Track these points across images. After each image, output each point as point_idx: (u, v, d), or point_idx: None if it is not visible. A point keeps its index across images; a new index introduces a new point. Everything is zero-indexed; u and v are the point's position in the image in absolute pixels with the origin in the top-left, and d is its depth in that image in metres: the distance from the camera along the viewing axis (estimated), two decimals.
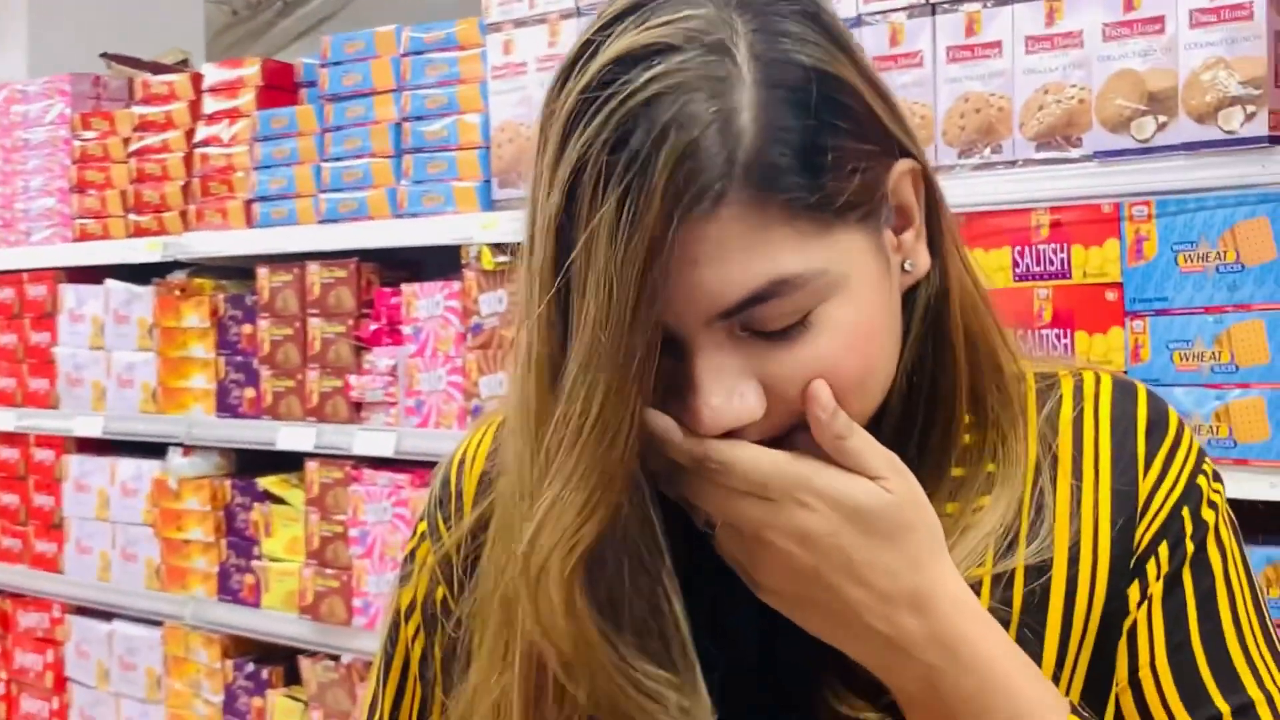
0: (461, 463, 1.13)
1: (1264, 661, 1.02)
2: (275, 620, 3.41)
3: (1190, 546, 1.02)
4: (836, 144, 0.91)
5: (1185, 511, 1.02)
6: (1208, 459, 1.07)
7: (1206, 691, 1.00)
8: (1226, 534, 1.04)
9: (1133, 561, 1.02)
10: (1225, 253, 1.99)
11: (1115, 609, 1.02)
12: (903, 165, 0.97)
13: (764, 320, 0.91)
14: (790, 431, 0.94)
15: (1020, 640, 0.97)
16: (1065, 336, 2.15)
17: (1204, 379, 2.01)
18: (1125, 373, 2.06)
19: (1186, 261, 2.03)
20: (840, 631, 0.94)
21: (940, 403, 1.02)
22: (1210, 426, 2.00)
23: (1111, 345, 2.10)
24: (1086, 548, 1.02)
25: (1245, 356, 1.98)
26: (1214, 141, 2.00)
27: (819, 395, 0.92)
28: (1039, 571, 1.01)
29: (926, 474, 0.99)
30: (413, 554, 1.13)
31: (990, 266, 2.20)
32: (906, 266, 0.99)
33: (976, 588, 0.98)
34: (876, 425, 0.99)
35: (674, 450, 0.92)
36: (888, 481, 0.93)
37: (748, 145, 0.88)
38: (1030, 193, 2.18)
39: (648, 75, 0.88)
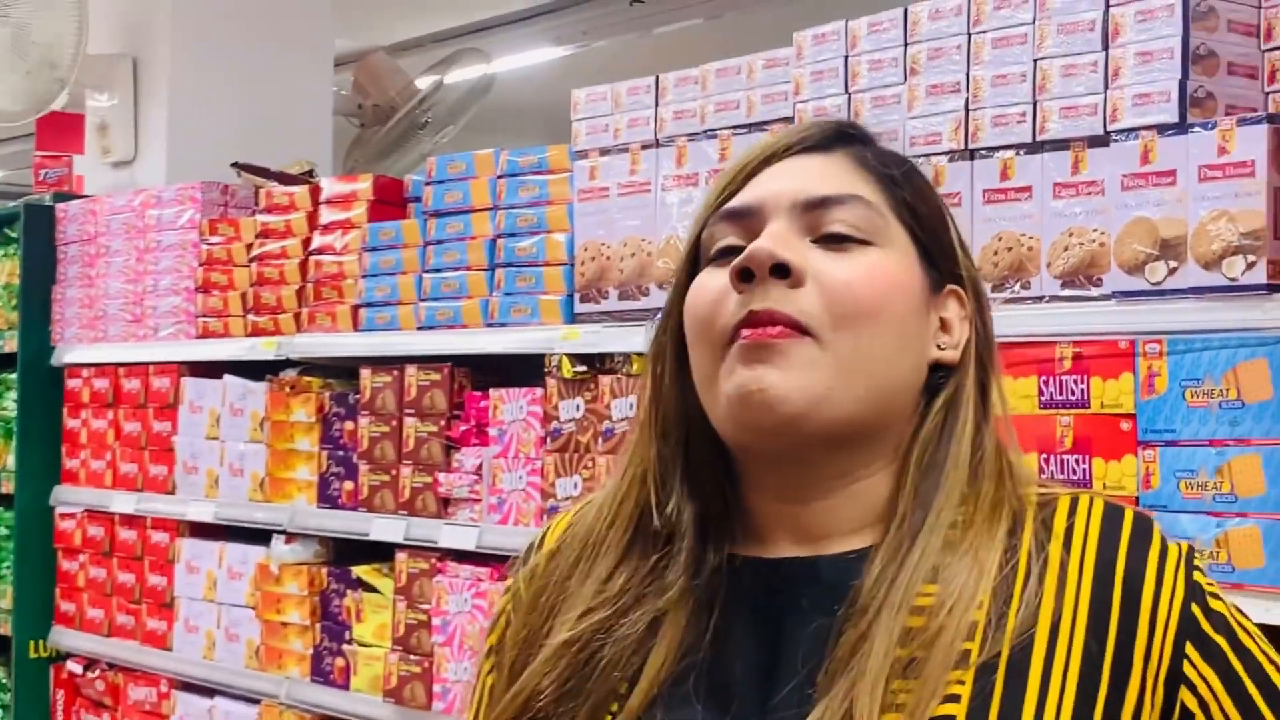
0: (546, 531, 1.37)
1: None
2: (361, 703, 3.61)
3: (1220, 639, 1.16)
4: (922, 187, 1.27)
5: (1195, 608, 1.17)
6: (1199, 563, 1.21)
7: None
8: (1244, 619, 1.19)
9: (1162, 669, 1.15)
10: (1228, 390, 2.14)
11: (1114, 691, 1.14)
12: (959, 289, 1.27)
13: (829, 221, 1.20)
14: (799, 341, 1.18)
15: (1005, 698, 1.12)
16: (1084, 462, 2.29)
17: (1207, 507, 2.15)
18: (1137, 498, 2.22)
19: (1193, 397, 2.17)
20: None
21: (935, 481, 1.21)
22: (1211, 552, 2.13)
23: (1125, 472, 2.25)
24: (1065, 625, 1.15)
25: (1244, 488, 2.11)
26: (1218, 287, 2.15)
27: None
28: (1023, 649, 1.15)
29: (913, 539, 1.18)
30: (500, 610, 1.36)
31: (1018, 394, 2.35)
32: (940, 344, 1.25)
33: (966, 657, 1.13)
34: (898, 484, 1.22)
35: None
36: None
37: (866, 145, 1.28)
38: (1055, 327, 2.34)
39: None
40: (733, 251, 1.21)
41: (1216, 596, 1.19)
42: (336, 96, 5.62)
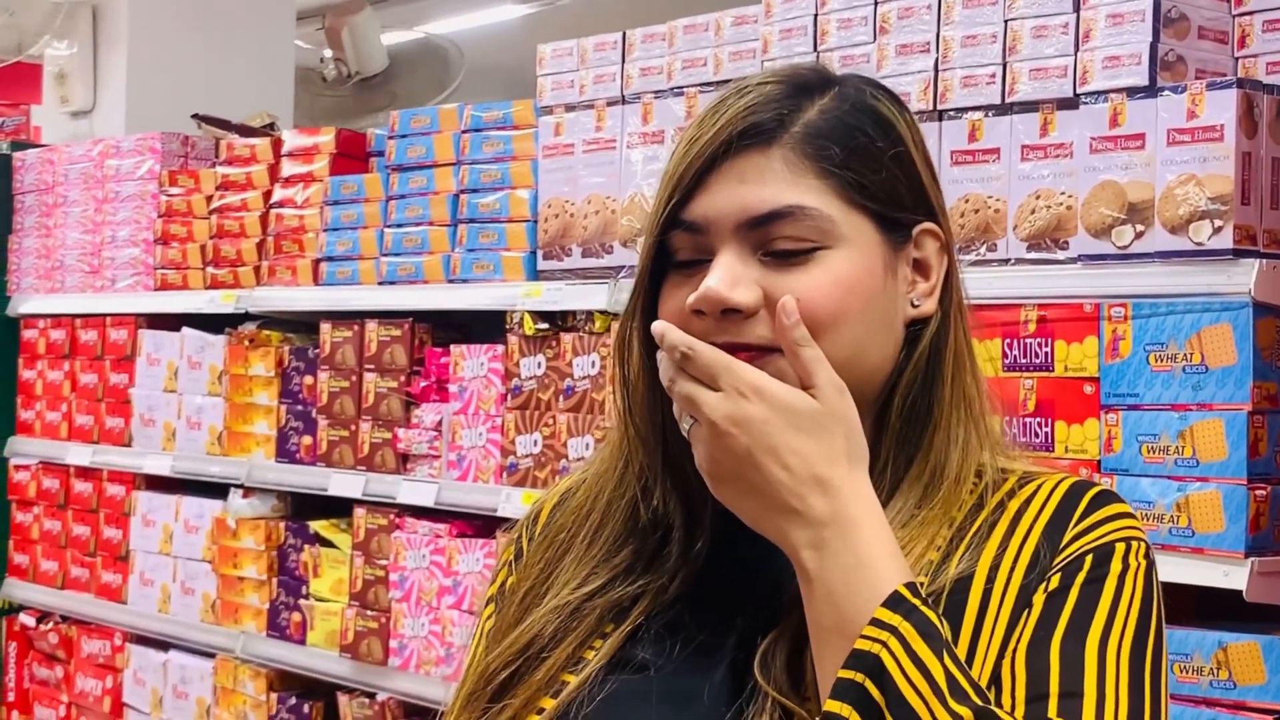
0: (552, 491, 1.43)
1: (1115, 673, 1.14)
2: (318, 657, 3.60)
3: (1083, 577, 1.18)
4: (874, 148, 1.23)
5: (1089, 559, 1.19)
6: (1145, 545, 1.22)
7: (1049, 676, 1.14)
8: (1132, 586, 1.19)
9: (1035, 588, 1.19)
10: (1191, 355, 2.14)
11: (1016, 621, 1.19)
12: (932, 226, 1.27)
13: (779, 239, 1.20)
14: (766, 358, 1.19)
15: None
16: (1046, 425, 2.29)
17: (1168, 471, 2.15)
18: (1098, 462, 2.22)
19: (1157, 361, 2.17)
20: (761, 507, 1.16)
21: (919, 429, 1.25)
22: (1171, 516, 2.14)
23: (1087, 435, 2.25)
24: (1006, 563, 1.20)
25: (1205, 452, 2.12)
26: (1185, 251, 2.15)
27: (786, 304, 1.17)
28: (963, 582, 1.20)
29: (893, 488, 1.23)
30: (501, 563, 1.41)
31: (982, 357, 2.34)
32: (915, 302, 1.26)
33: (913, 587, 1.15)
34: (878, 437, 1.24)
35: (665, 340, 1.17)
36: (819, 392, 1.16)
37: (807, 117, 1.23)
38: (1021, 290, 2.34)
39: (757, 80, 1.26)
40: (689, 265, 1.24)
41: (1126, 564, 1.19)
42: (299, 49, 5.56)
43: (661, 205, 1.24)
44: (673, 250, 1.25)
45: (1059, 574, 1.19)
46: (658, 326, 1.18)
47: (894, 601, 1.11)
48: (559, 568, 1.31)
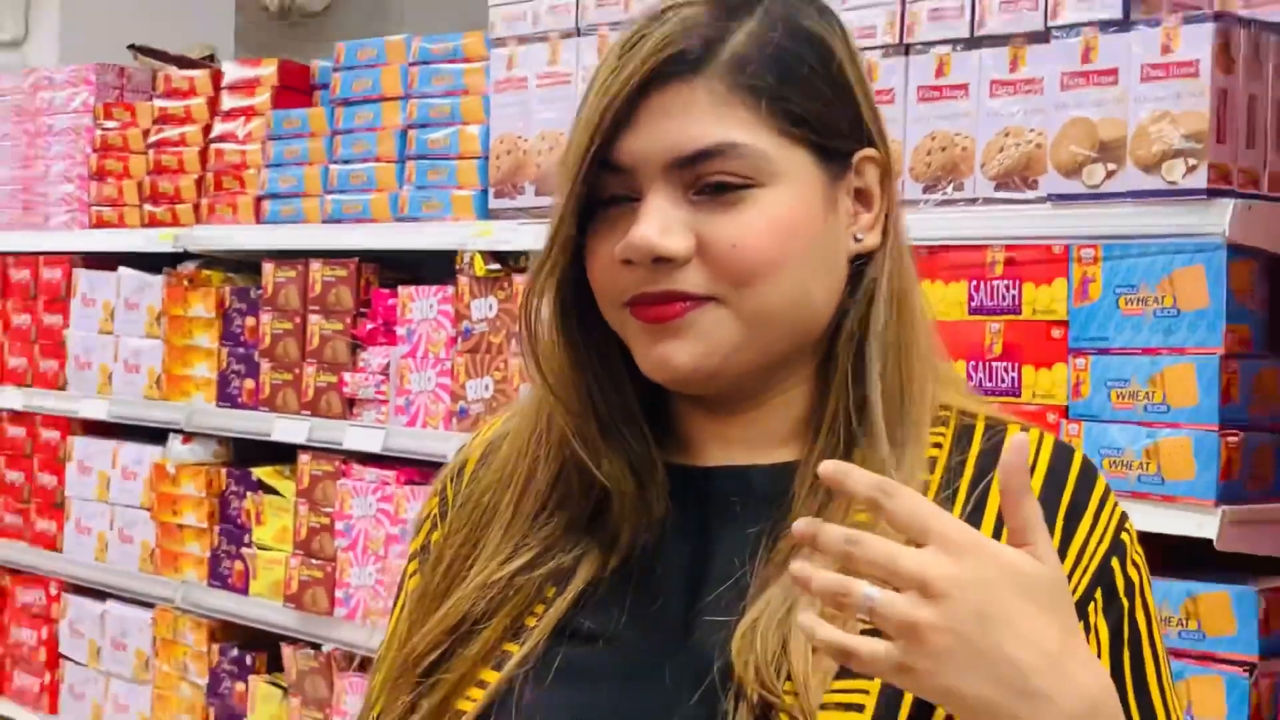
0: (475, 439, 1.33)
1: (1174, 710, 1.15)
2: (261, 607, 3.51)
3: (1125, 603, 1.13)
4: (808, 72, 1.14)
5: (1114, 563, 1.14)
6: (1130, 520, 1.18)
7: None
8: (1149, 594, 1.16)
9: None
10: (1163, 298, 2.08)
11: None
12: (872, 152, 1.18)
13: (707, 174, 1.12)
14: (702, 308, 1.13)
15: None
16: (1013, 370, 2.23)
17: (1138, 417, 2.10)
18: (1066, 408, 2.17)
19: (1127, 304, 2.12)
20: (1001, 695, 0.95)
21: (868, 369, 1.16)
22: (1141, 463, 2.08)
23: (1055, 380, 2.19)
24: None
25: (1176, 398, 2.06)
26: (1157, 191, 2.09)
27: (1017, 444, 0.99)
28: None
29: (849, 440, 1.16)
30: (425, 515, 1.32)
31: (948, 300, 2.29)
32: (858, 236, 1.18)
33: None
34: (826, 382, 1.17)
35: (821, 537, 0.96)
36: (1040, 552, 0.98)
37: (734, 43, 1.13)
38: (988, 230, 2.27)
39: (675, 2, 1.16)
40: (618, 200, 1.15)
41: (1135, 565, 1.17)
42: None
43: (583, 148, 1.14)
44: (596, 191, 1.15)
45: (1098, 589, 1.12)
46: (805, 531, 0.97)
47: None
48: (485, 536, 1.22)
